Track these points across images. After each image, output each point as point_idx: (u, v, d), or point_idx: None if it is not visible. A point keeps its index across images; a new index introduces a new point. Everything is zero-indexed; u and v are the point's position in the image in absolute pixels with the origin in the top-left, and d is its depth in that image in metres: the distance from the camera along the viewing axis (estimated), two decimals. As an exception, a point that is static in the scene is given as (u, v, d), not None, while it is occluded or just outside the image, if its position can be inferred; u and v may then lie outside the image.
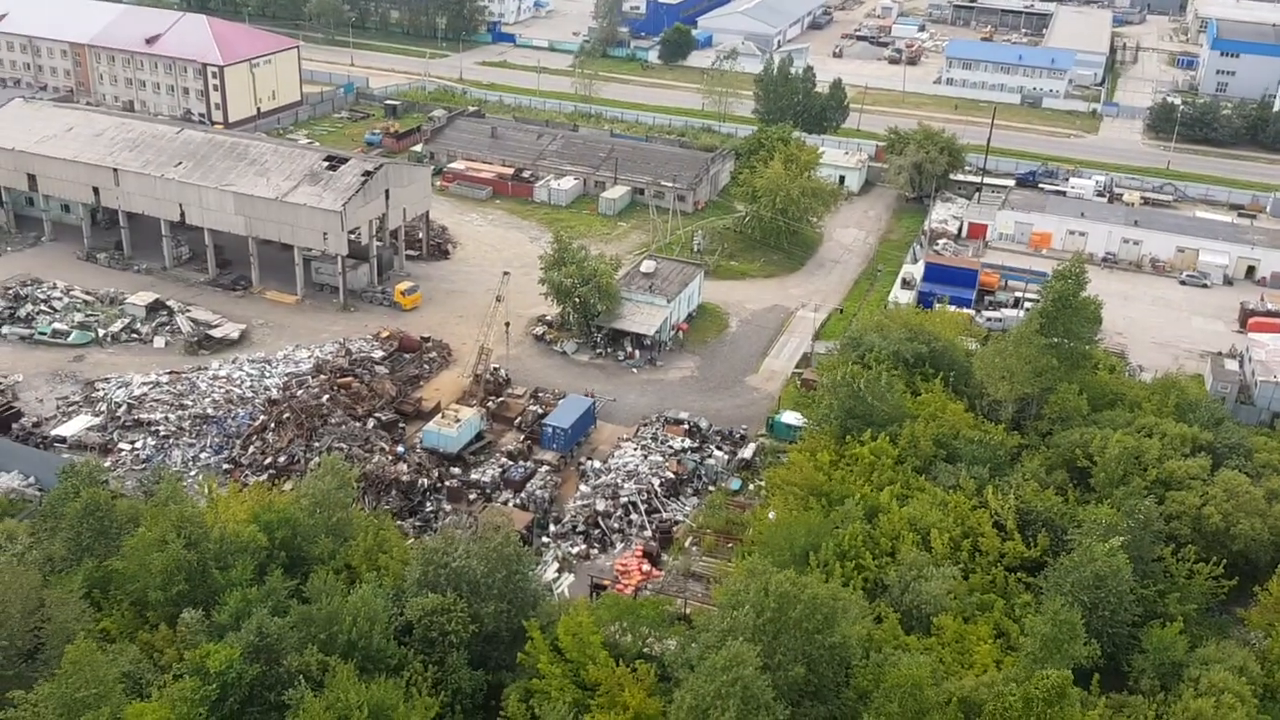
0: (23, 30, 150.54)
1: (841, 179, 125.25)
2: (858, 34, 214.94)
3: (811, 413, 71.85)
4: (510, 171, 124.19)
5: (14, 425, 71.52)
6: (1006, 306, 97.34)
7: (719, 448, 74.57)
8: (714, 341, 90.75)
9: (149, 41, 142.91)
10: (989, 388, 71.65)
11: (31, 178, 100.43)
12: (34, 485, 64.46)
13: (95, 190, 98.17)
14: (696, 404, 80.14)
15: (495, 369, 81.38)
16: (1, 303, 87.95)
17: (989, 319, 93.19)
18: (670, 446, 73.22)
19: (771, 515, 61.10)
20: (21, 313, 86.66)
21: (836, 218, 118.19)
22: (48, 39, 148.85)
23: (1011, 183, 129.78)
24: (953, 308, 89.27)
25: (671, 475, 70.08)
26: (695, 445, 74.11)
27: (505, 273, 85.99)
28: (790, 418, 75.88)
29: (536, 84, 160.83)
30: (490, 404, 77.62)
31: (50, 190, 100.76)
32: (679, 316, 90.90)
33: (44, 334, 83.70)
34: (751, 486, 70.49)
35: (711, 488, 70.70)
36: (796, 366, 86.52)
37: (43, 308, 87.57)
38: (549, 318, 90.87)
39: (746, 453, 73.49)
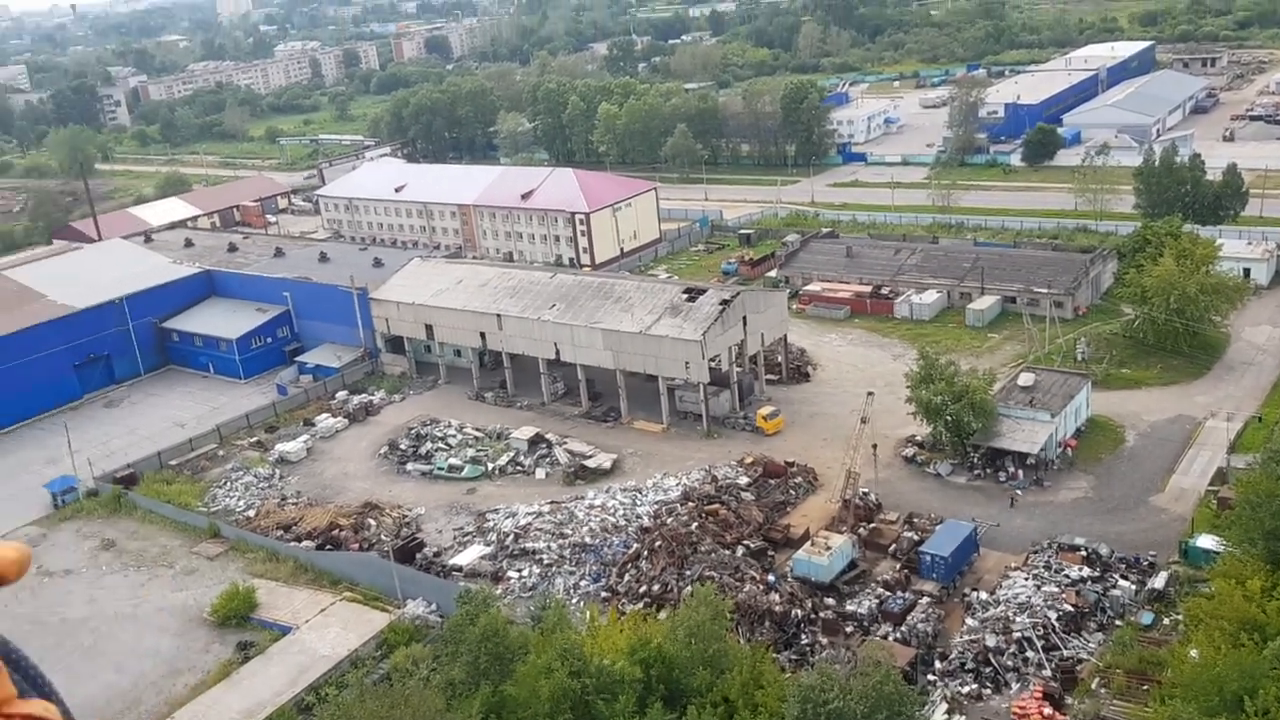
0: (419, 198, 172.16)
1: (1246, 272, 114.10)
2: (1251, 114, 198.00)
3: (1232, 535, 64.41)
4: (868, 289, 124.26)
5: (418, 555, 79.25)
6: None
7: (1124, 577, 68.37)
8: (1109, 458, 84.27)
9: (524, 197, 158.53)
10: None
11: (429, 327, 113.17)
12: (436, 612, 70.71)
13: (482, 335, 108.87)
14: (1093, 528, 74.30)
15: (865, 493, 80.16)
16: (406, 442, 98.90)
17: None
18: (1066, 575, 68.07)
19: (1194, 654, 54.75)
20: (423, 450, 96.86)
21: (1244, 315, 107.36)
22: (439, 203, 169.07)
23: None
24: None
25: (1070, 607, 64.94)
26: (1096, 574, 68.43)
27: (869, 393, 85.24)
28: (1207, 542, 68.33)
29: (891, 199, 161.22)
30: (861, 530, 76.29)
31: (444, 338, 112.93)
32: (1066, 432, 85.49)
33: (442, 469, 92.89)
34: (1166, 620, 63.78)
35: (1118, 622, 64.70)
36: (1210, 484, 78.22)
37: (440, 445, 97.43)
38: (919, 438, 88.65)
39: (1157, 582, 66.79)
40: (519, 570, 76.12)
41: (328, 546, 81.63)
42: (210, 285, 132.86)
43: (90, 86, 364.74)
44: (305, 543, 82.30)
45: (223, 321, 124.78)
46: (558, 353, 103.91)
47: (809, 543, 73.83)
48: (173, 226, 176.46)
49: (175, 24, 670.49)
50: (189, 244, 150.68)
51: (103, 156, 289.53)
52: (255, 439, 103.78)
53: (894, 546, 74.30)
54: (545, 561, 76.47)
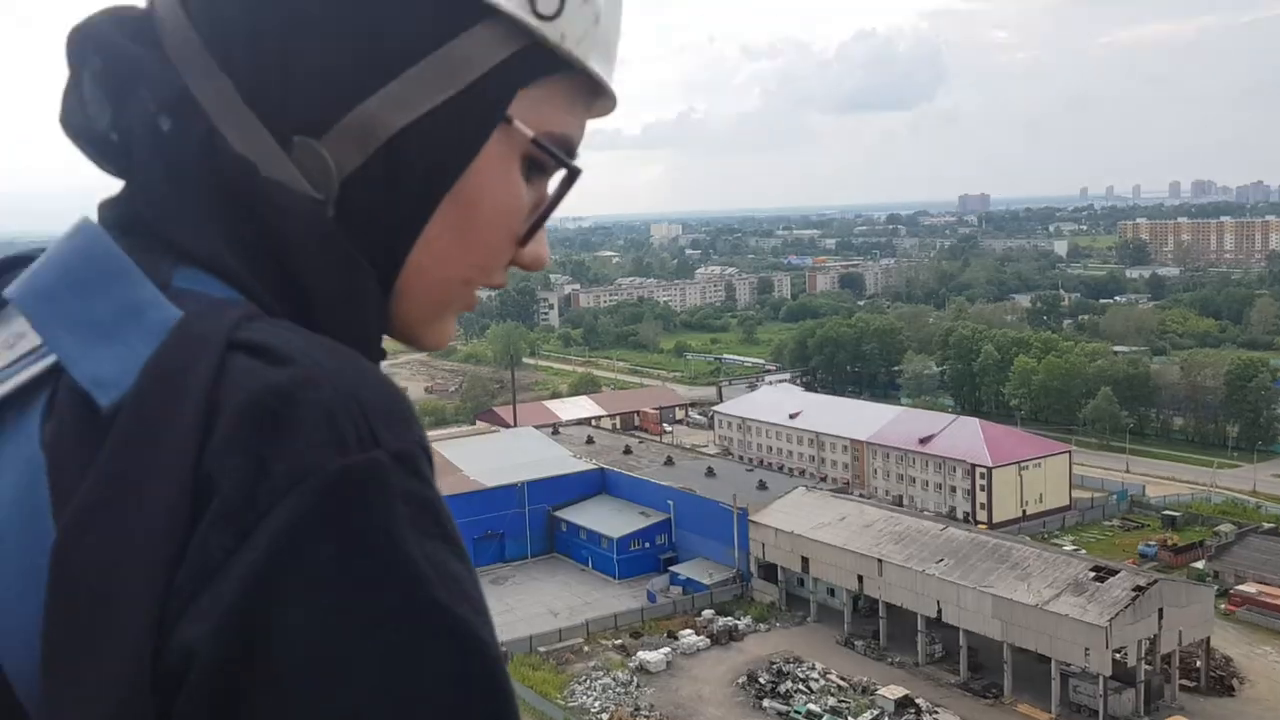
0: (811, 427, 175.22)
1: None
2: None
3: None
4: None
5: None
6: None
7: None
8: None
9: (922, 441, 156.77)
10: None
11: (805, 560, 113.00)
12: None
13: (860, 578, 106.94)
14: None
15: None
16: (765, 676, 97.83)
17: None
18: None
19: None
20: (782, 688, 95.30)
21: None
22: (831, 435, 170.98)
23: None
24: None
25: None
26: None
27: (1315, 727, 73.93)
28: None
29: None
30: None
31: (819, 573, 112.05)
32: None
33: (799, 713, 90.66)
34: None
35: None
36: None
37: (800, 687, 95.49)
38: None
39: None
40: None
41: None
42: (602, 482, 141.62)
43: (531, 290, 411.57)
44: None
45: (608, 519, 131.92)
46: (940, 611, 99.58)
47: None
48: (579, 423, 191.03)
49: (612, 241, 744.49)
50: (590, 441, 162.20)
51: (530, 351, 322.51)
52: (619, 642, 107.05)
53: None
54: (899, 839, 71.42)
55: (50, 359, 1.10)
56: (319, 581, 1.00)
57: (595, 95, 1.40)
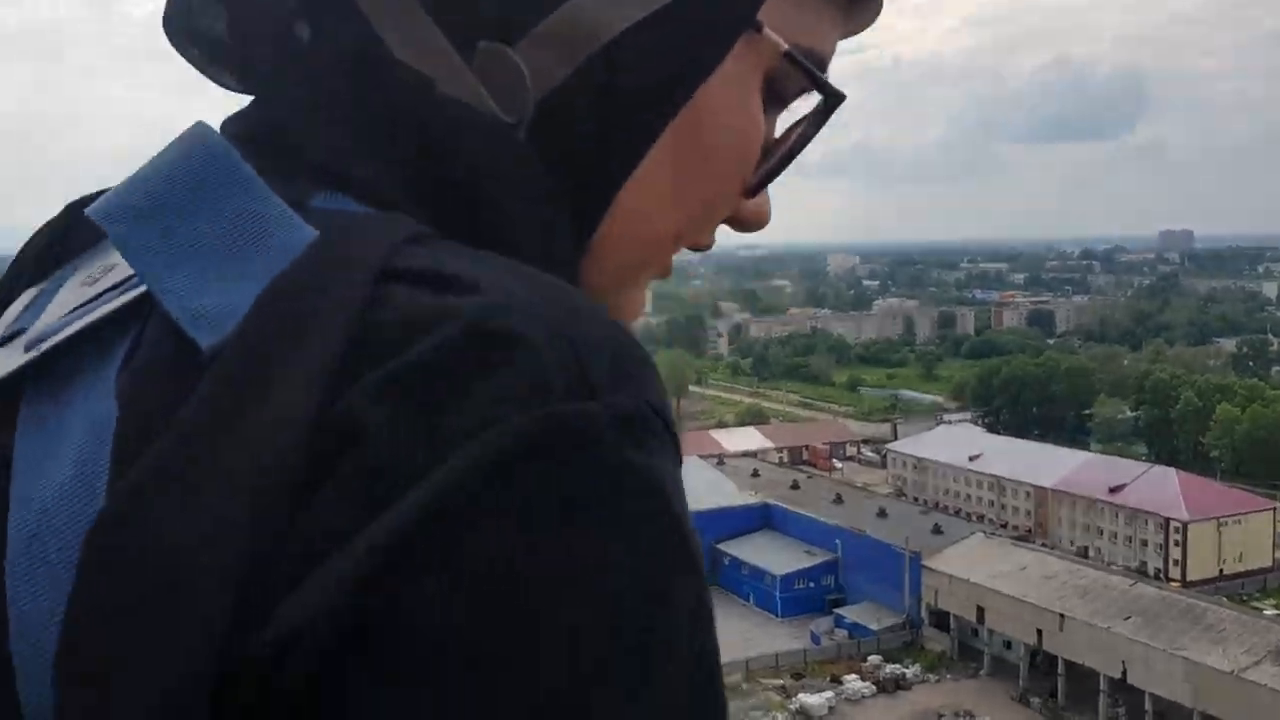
0: (992, 471, 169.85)
1: None
2: None
3: None
4: None
5: None
6: None
7: None
8: None
9: (1112, 491, 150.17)
10: None
11: (980, 610, 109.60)
12: None
13: (1039, 632, 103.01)
14: None
15: None
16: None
17: None
18: None
19: None
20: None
21: None
22: (1014, 480, 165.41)
23: None
24: None
25: None
26: None
27: None
28: None
29: None
30: None
31: (995, 624, 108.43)
32: None
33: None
34: None
35: None
36: None
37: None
38: None
39: None
40: None
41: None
42: (767, 517, 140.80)
43: (700, 318, 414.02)
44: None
45: (771, 555, 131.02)
46: (1124, 673, 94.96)
47: None
48: (744, 455, 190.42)
49: (786, 270, 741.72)
50: (755, 474, 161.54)
51: (697, 380, 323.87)
52: (780, 682, 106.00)
53: None
54: None
55: (140, 289, 0.79)
56: (478, 568, 0.67)
57: (855, 1, 1.06)
